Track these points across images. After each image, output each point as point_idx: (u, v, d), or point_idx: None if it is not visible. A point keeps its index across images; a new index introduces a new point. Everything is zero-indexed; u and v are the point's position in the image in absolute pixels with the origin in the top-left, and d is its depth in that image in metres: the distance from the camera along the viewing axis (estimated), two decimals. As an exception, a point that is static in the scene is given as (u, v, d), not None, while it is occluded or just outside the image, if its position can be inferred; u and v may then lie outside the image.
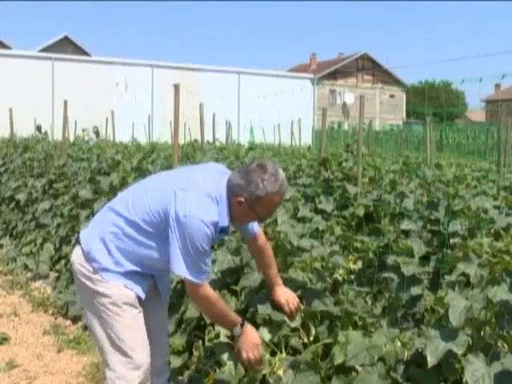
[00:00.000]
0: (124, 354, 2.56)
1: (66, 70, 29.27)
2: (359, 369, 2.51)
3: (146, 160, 6.67)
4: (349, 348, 2.48)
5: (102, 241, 2.57)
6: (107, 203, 2.79)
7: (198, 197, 2.41)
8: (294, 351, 2.82)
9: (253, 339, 2.69)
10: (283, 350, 2.83)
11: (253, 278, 3.11)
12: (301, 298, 2.95)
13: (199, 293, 2.53)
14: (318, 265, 3.04)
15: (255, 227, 2.84)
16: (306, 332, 2.86)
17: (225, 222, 2.49)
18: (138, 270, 2.58)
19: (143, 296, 2.63)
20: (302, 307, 2.91)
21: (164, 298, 2.86)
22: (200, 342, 3.28)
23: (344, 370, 2.52)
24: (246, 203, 2.47)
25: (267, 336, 2.87)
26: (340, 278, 3.16)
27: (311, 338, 2.83)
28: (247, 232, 2.85)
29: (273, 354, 2.82)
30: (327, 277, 3.05)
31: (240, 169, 2.54)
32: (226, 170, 2.65)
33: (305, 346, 2.81)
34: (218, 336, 3.03)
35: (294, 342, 2.84)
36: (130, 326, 2.58)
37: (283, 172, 2.54)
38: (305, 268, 3.04)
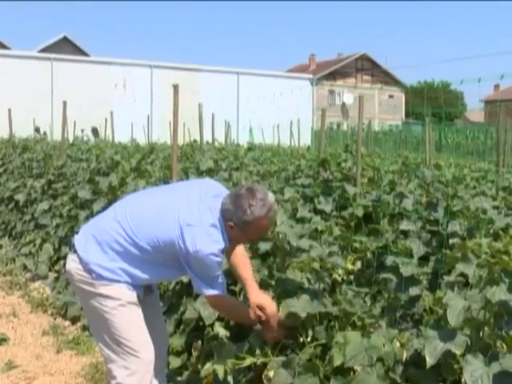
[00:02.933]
0: (134, 351, 2.63)
1: (65, 71, 29.21)
2: (358, 369, 2.51)
3: (145, 160, 6.67)
4: (347, 349, 2.48)
5: (100, 247, 2.62)
6: (104, 211, 2.85)
7: (204, 231, 2.52)
8: (286, 349, 2.82)
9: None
10: (269, 351, 2.83)
11: (252, 279, 3.10)
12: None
13: (220, 304, 2.74)
14: (316, 265, 3.03)
15: None
16: (303, 332, 2.86)
17: (226, 243, 2.60)
18: (133, 274, 2.64)
19: (142, 295, 2.72)
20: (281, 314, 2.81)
21: (156, 293, 2.98)
22: (199, 342, 3.28)
23: (342, 370, 2.52)
24: (236, 227, 2.57)
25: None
26: (339, 279, 3.16)
27: (308, 339, 2.83)
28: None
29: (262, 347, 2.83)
30: (326, 277, 3.05)
31: (231, 193, 2.65)
32: (220, 191, 2.71)
33: (302, 345, 2.81)
34: (216, 336, 3.04)
35: (288, 341, 2.84)
36: (137, 326, 2.66)
37: (273, 196, 2.63)
38: (303, 268, 3.04)
